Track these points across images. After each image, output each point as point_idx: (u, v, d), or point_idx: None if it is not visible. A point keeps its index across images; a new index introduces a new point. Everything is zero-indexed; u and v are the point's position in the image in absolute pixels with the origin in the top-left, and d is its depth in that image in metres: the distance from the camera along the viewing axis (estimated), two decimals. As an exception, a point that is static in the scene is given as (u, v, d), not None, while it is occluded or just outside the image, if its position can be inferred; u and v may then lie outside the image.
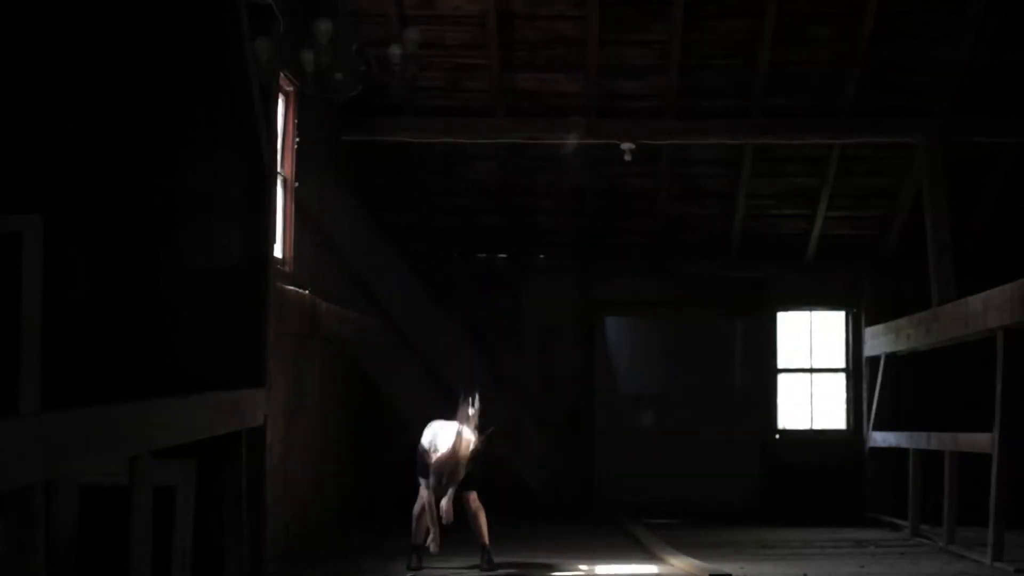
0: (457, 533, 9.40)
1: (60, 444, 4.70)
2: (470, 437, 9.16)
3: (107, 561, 6.86)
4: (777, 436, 14.45)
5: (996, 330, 9.91)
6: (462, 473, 9.04)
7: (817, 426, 14.60)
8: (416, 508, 9.32)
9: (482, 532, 9.29)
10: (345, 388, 12.42)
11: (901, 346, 12.85)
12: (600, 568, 9.66)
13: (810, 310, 14.69)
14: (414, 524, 9.31)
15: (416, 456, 9.24)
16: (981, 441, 10.28)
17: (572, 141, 12.49)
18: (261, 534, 7.93)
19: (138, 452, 5.63)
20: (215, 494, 7.51)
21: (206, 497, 7.51)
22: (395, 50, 9.08)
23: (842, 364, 14.64)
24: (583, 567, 9.69)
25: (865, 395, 14.17)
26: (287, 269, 10.12)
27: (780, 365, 14.57)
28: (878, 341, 13.63)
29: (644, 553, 10.63)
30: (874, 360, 13.93)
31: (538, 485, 13.78)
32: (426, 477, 9.10)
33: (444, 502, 8.90)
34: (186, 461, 7.38)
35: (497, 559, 9.53)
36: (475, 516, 9.29)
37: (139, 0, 7.99)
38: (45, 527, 6.18)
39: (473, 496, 9.27)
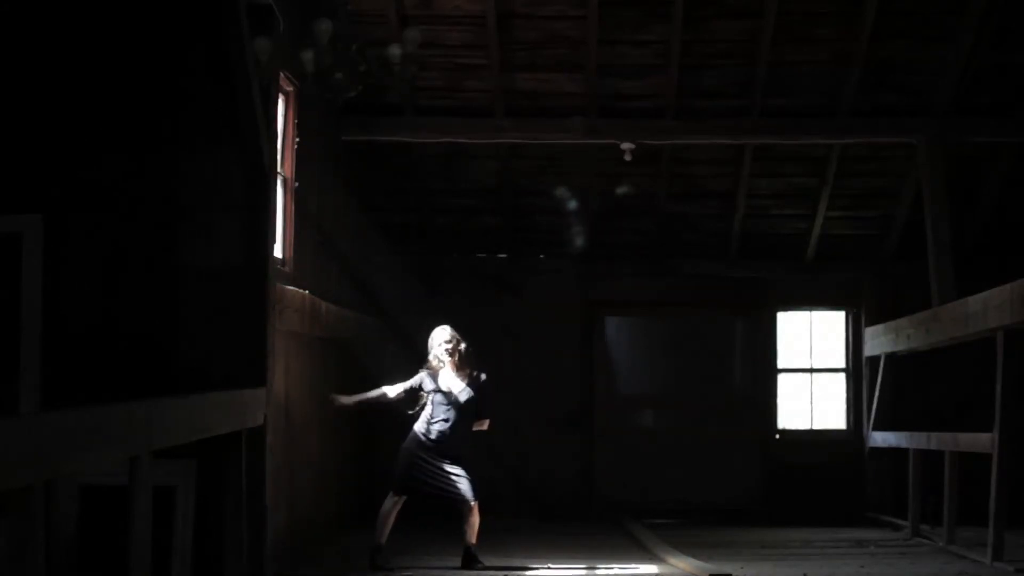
0: (449, 535, 9.48)
1: (60, 444, 4.70)
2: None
3: (107, 561, 6.86)
4: (777, 436, 14.44)
5: (996, 330, 9.90)
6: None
7: (817, 426, 14.59)
8: (386, 505, 9.35)
9: (473, 532, 9.31)
10: (345, 388, 12.39)
11: (901, 346, 12.85)
12: (600, 568, 9.66)
13: (810, 310, 14.68)
14: (382, 520, 9.35)
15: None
16: (981, 441, 10.27)
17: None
18: (261, 534, 7.93)
19: (138, 452, 5.63)
20: (215, 494, 7.51)
21: (206, 497, 7.51)
22: (395, 50, 9.09)
23: (842, 364, 14.63)
24: (583, 567, 9.69)
25: (865, 395, 14.16)
26: (287, 269, 10.11)
27: (780, 365, 14.56)
28: (878, 341, 13.63)
29: (644, 553, 10.62)
30: (874, 360, 13.92)
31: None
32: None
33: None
34: (186, 461, 7.38)
35: (496, 559, 9.53)
36: (471, 519, 9.28)
37: (139, 1, 8.00)
38: (45, 527, 6.19)
39: (474, 506, 9.31)
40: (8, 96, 7.88)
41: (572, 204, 13.71)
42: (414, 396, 9.48)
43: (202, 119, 7.93)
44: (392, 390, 9.52)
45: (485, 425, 9.59)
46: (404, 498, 9.36)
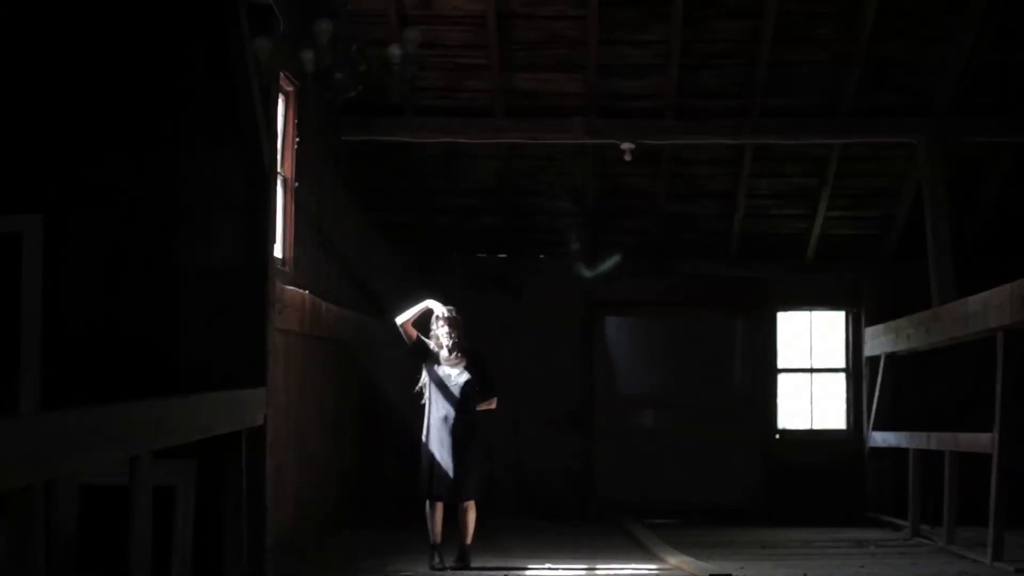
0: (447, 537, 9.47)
1: (60, 444, 4.70)
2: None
3: (107, 561, 6.86)
4: (777, 436, 14.44)
5: (996, 330, 9.91)
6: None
7: (817, 426, 14.60)
8: (427, 510, 9.32)
9: (467, 532, 9.32)
10: (345, 388, 12.42)
11: (901, 346, 12.85)
12: (600, 568, 9.66)
13: (810, 310, 14.68)
14: (429, 523, 9.32)
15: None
16: (981, 441, 10.28)
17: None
18: (261, 534, 7.92)
19: (138, 452, 5.63)
20: (215, 494, 7.51)
21: (206, 497, 7.51)
22: (395, 50, 9.09)
23: (842, 364, 14.63)
24: (583, 567, 9.69)
25: (865, 395, 14.17)
26: (287, 269, 10.12)
27: (780, 365, 14.57)
28: (878, 341, 13.63)
29: (644, 553, 10.62)
30: (874, 360, 13.92)
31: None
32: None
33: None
34: (186, 461, 7.38)
35: (496, 559, 9.52)
36: (465, 517, 9.28)
37: (140, 0, 8.00)
38: (45, 527, 6.19)
39: (471, 503, 9.31)
40: (8, 96, 7.87)
41: (574, 220, 13.74)
42: (423, 349, 9.40)
43: (202, 119, 7.92)
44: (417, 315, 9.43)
45: (493, 403, 9.51)
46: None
